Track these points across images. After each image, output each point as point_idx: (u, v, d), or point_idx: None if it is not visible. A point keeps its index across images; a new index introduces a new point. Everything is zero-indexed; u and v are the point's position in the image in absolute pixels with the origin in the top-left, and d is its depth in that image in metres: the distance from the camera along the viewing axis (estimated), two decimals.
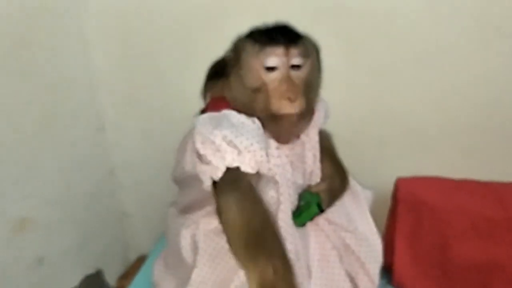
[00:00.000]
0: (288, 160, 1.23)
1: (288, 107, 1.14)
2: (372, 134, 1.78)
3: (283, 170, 1.20)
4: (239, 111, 1.17)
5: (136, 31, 1.85)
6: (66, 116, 1.78)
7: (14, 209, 1.57)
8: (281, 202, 1.18)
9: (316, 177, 1.32)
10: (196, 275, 1.18)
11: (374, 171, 1.73)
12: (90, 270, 1.95)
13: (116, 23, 1.85)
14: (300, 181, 1.28)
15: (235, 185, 1.11)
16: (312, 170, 1.31)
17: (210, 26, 1.74)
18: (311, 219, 1.28)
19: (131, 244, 2.21)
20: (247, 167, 1.11)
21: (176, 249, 1.26)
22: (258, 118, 1.17)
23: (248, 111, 1.17)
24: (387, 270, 1.56)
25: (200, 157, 1.14)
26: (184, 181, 1.31)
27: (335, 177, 1.33)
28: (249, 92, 1.17)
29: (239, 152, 1.10)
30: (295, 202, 1.26)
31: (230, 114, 1.17)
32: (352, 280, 1.27)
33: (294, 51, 1.16)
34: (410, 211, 1.53)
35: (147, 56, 1.88)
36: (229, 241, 1.10)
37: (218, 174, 1.10)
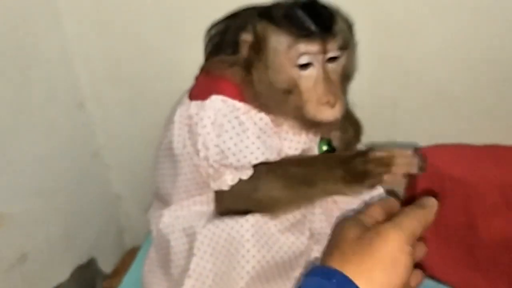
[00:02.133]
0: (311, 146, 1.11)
1: (328, 113, 0.98)
2: (384, 96, 1.56)
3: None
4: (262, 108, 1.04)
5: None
6: (41, 95, 1.59)
7: None
8: None
9: None
10: (195, 265, 1.05)
11: (387, 139, 1.55)
12: (82, 260, 1.81)
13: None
14: None
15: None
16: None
17: None
18: None
19: (126, 227, 2.06)
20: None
21: (165, 245, 1.16)
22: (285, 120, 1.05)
23: (273, 114, 1.04)
24: None
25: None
26: (170, 159, 1.17)
27: (348, 128, 1.21)
28: (277, 93, 1.00)
29: (237, 169, 1.01)
30: None
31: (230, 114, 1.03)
32: None
33: (331, 45, 0.98)
34: (430, 184, 1.36)
35: (126, 23, 1.65)
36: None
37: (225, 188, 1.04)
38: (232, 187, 1.02)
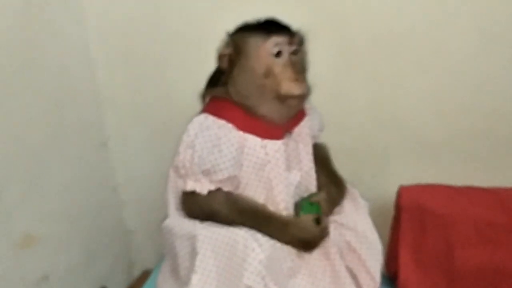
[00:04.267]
0: (283, 156, 1.31)
1: (298, 88, 1.26)
2: (374, 142, 1.78)
3: (274, 165, 1.30)
4: (242, 104, 1.29)
5: (139, 47, 1.89)
6: (71, 131, 1.80)
7: (19, 225, 1.57)
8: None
9: (312, 179, 1.39)
10: (199, 261, 1.20)
11: (377, 179, 1.75)
12: (95, 287, 1.95)
13: (120, 39, 1.89)
14: (297, 177, 1.36)
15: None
16: (309, 169, 1.38)
17: (214, 40, 1.75)
18: None
19: (135, 260, 2.21)
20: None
21: (173, 252, 1.31)
22: (263, 103, 1.28)
23: (254, 99, 1.28)
24: (392, 279, 1.56)
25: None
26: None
27: (331, 186, 1.40)
28: (258, 79, 1.27)
29: (202, 178, 1.27)
30: (290, 201, 1.33)
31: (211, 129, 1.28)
32: (354, 277, 1.32)
33: (294, 39, 1.29)
34: (413, 219, 1.54)
35: (151, 72, 1.90)
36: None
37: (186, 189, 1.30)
38: (192, 194, 1.28)
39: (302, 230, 1.26)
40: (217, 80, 1.35)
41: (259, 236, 1.21)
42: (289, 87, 1.25)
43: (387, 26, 1.69)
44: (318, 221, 1.28)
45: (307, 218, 1.28)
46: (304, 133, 1.38)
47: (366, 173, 1.74)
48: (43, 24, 1.67)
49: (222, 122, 1.28)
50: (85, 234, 1.87)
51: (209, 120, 1.29)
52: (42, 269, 1.67)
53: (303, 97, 1.29)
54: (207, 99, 1.37)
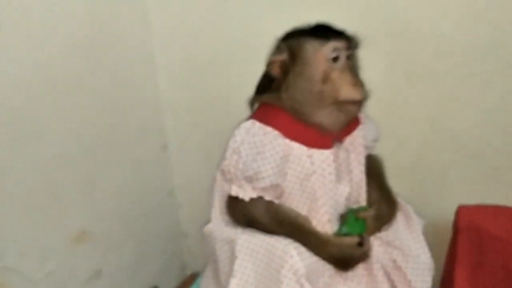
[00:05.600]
0: (331, 166, 1.27)
1: (357, 92, 1.22)
2: (433, 158, 1.70)
3: (320, 175, 1.26)
4: (296, 111, 1.25)
5: (200, 52, 1.92)
6: (131, 133, 1.86)
7: (75, 221, 1.63)
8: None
9: (363, 191, 1.33)
10: (237, 266, 1.19)
11: (434, 198, 1.66)
12: (146, 287, 1.98)
13: (181, 45, 1.93)
14: (347, 188, 1.30)
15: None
16: (360, 180, 1.33)
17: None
18: None
19: (187, 263, 2.23)
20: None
21: (214, 257, 1.31)
22: (320, 110, 1.24)
23: (310, 106, 1.24)
24: None
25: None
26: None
27: (382, 203, 1.33)
28: (315, 85, 1.23)
29: (245, 184, 1.26)
30: (335, 213, 1.28)
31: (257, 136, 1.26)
32: None
33: (351, 43, 1.26)
34: (471, 241, 1.44)
35: (211, 76, 1.93)
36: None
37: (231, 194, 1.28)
38: (236, 199, 1.26)
39: (341, 251, 1.22)
40: (265, 86, 1.33)
41: (298, 244, 1.18)
42: (349, 92, 1.21)
43: (450, 37, 1.61)
44: (360, 243, 1.23)
45: (349, 240, 1.23)
46: (356, 142, 1.32)
47: (424, 191, 1.66)
48: (109, 29, 1.73)
49: (268, 129, 1.26)
50: (139, 234, 1.91)
51: (256, 126, 1.27)
52: (95, 266, 1.72)
53: (362, 103, 1.25)
54: (256, 105, 1.36)
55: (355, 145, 1.33)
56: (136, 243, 1.90)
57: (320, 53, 1.23)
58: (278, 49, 1.28)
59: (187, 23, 1.91)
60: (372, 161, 1.39)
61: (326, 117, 1.24)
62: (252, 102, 1.37)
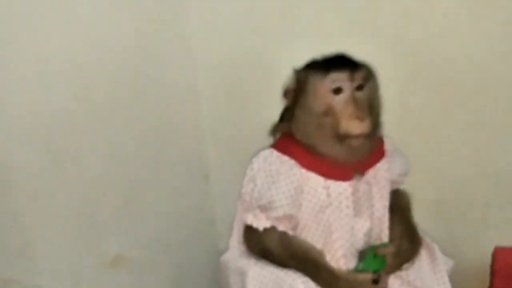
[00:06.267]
0: (349, 199, 1.24)
1: (358, 126, 1.18)
2: (471, 195, 1.60)
3: (336, 208, 1.23)
4: (304, 142, 1.24)
5: (242, 84, 1.94)
6: (173, 161, 1.89)
7: (111, 246, 1.68)
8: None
9: (385, 227, 1.29)
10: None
11: (471, 238, 1.56)
12: None
13: (224, 76, 1.96)
14: (367, 223, 1.26)
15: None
16: (382, 215, 1.29)
17: None
18: None
19: None
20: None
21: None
22: (323, 142, 1.22)
23: (314, 138, 1.23)
24: None
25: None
26: None
27: (404, 240, 1.28)
28: (317, 117, 1.22)
29: (260, 213, 1.24)
30: (351, 248, 1.24)
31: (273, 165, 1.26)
32: None
33: (357, 74, 1.21)
34: (508, 285, 1.33)
35: (253, 107, 1.94)
36: None
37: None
38: (251, 229, 1.25)
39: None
40: (284, 115, 1.34)
41: (307, 279, 1.16)
42: (348, 125, 1.18)
43: (493, 70, 1.54)
44: (376, 280, 1.17)
45: (364, 277, 1.18)
46: (380, 176, 1.29)
47: (459, 229, 1.56)
48: (153, 58, 1.80)
49: (285, 158, 1.25)
50: (176, 261, 1.92)
51: (273, 155, 1.27)
52: None
53: (365, 136, 1.20)
54: (278, 134, 1.35)
55: (378, 179, 1.29)
56: (173, 270, 1.92)
57: (321, 85, 1.21)
58: (290, 79, 1.29)
59: (230, 54, 1.94)
60: (398, 195, 1.35)
61: (331, 149, 1.22)
62: (272, 131, 1.36)
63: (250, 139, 1.95)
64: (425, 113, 1.53)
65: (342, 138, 1.20)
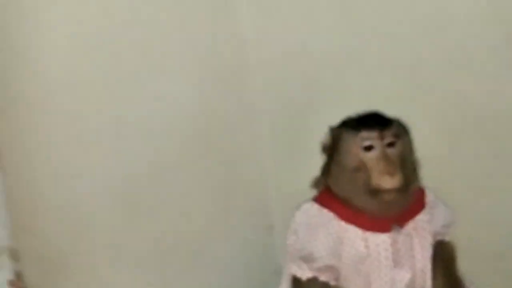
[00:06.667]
0: (388, 251, 1.28)
1: (389, 181, 1.24)
2: None
3: (375, 259, 1.28)
4: (341, 195, 1.32)
5: (305, 138, 2.01)
6: (237, 213, 1.99)
7: None
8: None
9: (427, 278, 1.31)
10: None
11: None
12: None
13: (286, 128, 2.06)
14: (407, 274, 1.29)
15: None
16: (424, 266, 1.31)
17: None
18: None
19: None
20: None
21: None
22: (357, 197, 1.28)
23: (349, 193, 1.31)
24: None
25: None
26: None
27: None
28: (350, 173, 1.30)
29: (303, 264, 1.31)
30: None
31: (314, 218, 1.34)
32: None
33: (387, 132, 1.28)
34: None
35: (316, 161, 2.00)
36: None
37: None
38: (296, 279, 1.32)
39: None
40: (324, 169, 1.41)
41: None
42: (379, 180, 1.24)
43: None
44: None
45: None
46: (420, 227, 1.32)
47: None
48: (220, 120, 1.93)
49: (324, 211, 1.33)
50: None
51: (314, 208, 1.35)
52: None
53: (397, 191, 1.25)
54: (320, 187, 1.43)
55: (419, 230, 1.32)
56: None
57: (353, 143, 1.29)
58: (326, 135, 1.38)
59: (291, 111, 2.03)
60: (442, 247, 1.37)
61: (365, 204, 1.28)
62: (314, 185, 1.45)
63: (313, 191, 2.03)
64: (474, 165, 1.53)
65: (374, 193, 1.25)
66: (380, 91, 1.80)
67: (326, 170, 1.38)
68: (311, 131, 1.97)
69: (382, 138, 1.27)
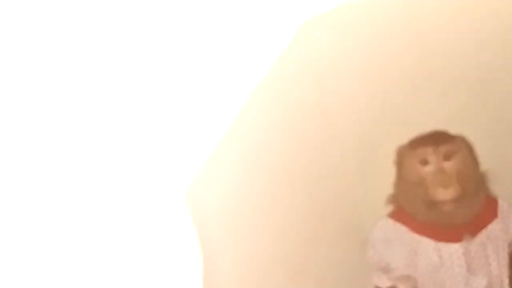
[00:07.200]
0: (461, 259, 1.37)
1: (443, 193, 1.35)
2: None
3: (449, 268, 1.36)
4: (408, 209, 1.43)
5: (387, 155, 2.09)
6: (331, 232, 2.05)
7: None
8: None
9: (504, 284, 1.38)
10: None
11: None
12: None
13: (372, 149, 2.04)
14: (483, 281, 1.35)
15: None
16: (501, 274, 1.37)
17: None
18: None
19: None
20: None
21: None
22: (420, 209, 1.40)
23: (412, 206, 1.42)
24: None
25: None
26: None
27: None
28: (411, 187, 1.41)
29: (389, 278, 1.41)
30: None
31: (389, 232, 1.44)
32: None
33: (441, 148, 1.38)
34: None
35: None
36: None
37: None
38: (376, 287, 1.42)
39: None
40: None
41: None
42: (434, 192, 1.35)
43: None
44: None
45: None
46: (493, 236, 1.39)
47: None
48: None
49: (398, 225, 1.44)
50: None
51: (389, 223, 1.47)
52: None
53: (454, 202, 1.35)
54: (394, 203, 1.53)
55: (491, 239, 1.39)
56: None
57: (410, 158, 1.41)
58: (395, 154, 1.48)
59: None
60: None
61: (428, 216, 1.38)
62: (389, 200, 1.55)
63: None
64: None
65: (433, 204, 1.36)
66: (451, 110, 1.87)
67: (396, 186, 1.48)
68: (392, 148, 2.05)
69: (437, 153, 1.37)
